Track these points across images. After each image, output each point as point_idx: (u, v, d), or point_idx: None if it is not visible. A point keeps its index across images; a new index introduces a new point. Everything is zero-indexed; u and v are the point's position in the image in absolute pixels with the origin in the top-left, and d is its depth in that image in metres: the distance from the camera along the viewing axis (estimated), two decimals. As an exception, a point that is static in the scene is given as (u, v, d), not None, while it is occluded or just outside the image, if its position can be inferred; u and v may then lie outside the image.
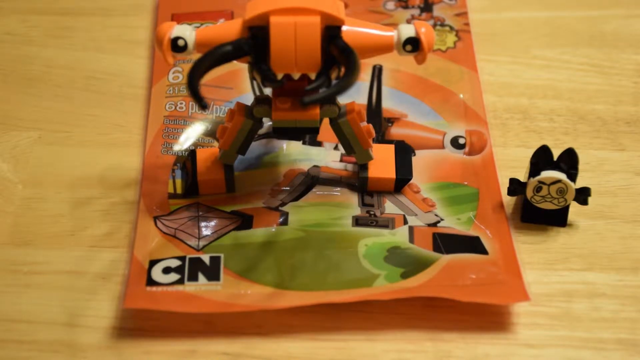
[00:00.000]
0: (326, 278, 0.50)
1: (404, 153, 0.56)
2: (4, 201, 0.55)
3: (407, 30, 0.49)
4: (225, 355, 0.48)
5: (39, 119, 0.60)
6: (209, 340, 0.49)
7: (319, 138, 0.58)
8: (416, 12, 0.66)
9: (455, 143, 0.58)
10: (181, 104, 0.60)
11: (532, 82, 0.63)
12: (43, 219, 0.54)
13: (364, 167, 0.54)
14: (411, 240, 0.52)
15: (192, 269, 0.51)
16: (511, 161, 0.57)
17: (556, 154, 0.55)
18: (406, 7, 0.67)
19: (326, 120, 0.52)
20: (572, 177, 0.53)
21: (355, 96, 0.59)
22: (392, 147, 0.56)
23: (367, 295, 0.49)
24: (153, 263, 0.51)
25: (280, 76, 0.48)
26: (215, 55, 0.47)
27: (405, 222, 0.54)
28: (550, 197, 0.52)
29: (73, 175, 0.57)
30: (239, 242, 0.52)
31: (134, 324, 0.49)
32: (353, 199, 0.55)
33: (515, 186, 0.53)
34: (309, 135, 0.58)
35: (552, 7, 0.69)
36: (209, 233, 0.53)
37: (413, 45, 0.49)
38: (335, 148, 0.58)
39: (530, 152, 0.55)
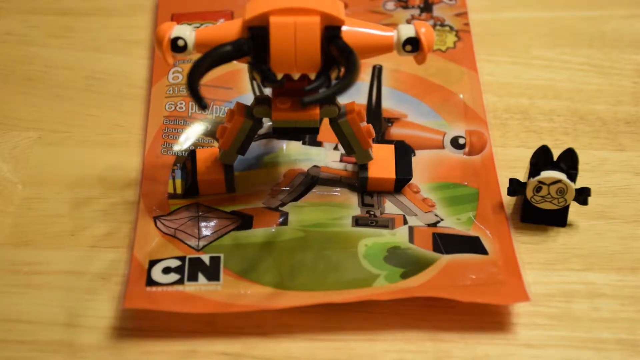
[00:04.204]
0: (326, 278, 0.50)
1: (404, 153, 0.56)
2: (4, 201, 0.55)
3: (407, 31, 0.49)
4: (225, 355, 0.48)
5: (39, 119, 0.60)
6: (209, 340, 0.49)
7: (319, 138, 0.58)
8: (416, 12, 0.66)
9: (455, 143, 0.58)
10: (181, 104, 0.60)
11: (532, 82, 0.63)
12: (43, 219, 0.54)
13: (363, 167, 0.54)
14: (411, 240, 0.52)
15: (192, 269, 0.51)
16: (511, 161, 0.57)
17: (556, 154, 0.55)
18: (406, 7, 0.67)
19: (326, 120, 0.52)
20: (572, 177, 0.53)
21: (355, 96, 0.59)
22: (392, 147, 0.56)
23: (367, 296, 0.49)
24: (153, 263, 0.51)
25: (280, 76, 0.48)
26: (215, 56, 0.47)
27: (405, 222, 0.54)
28: (550, 197, 0.52)
29: (73, 175, 0.57)
30: (239, 243, 0.52)
31: (134, 324, 0.49)
32: (353, 199, 0.55)
33: (515, 186, 0.53)
34: (308, 135, 0.58)
35: (552, 7, 0.69)
36: (208, 233, 0.53)
37: (413, 45, 0.49)
38: (335, 148, 0.58)
39: (530, 152, 0.55)
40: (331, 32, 0.47)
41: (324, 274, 0.51)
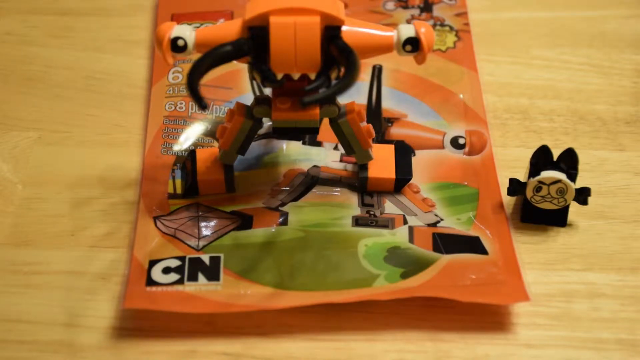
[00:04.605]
0: (326, 278, 0.50)
1: (403, 153, 0.56)
2: (4, 201, 0.55)
3: (407, 31, 0.49)
4: (225, 355, 0.48)
5: (39, 119, 0.60)
6: (209, 340, 0.49)
7: (319, 138, 0.58)
8: (416, 12, 0.66)
9: (455, 143, 0.58)
10: (181, 104, 0.60)
11: (532, 82, 0.63)
12: (43, 219, 0.54)
13: (363, 167, 0.54)
14: (411, 240, 0.52)
15: (191, 269, 0.51)
16: (511, 161, 0.57)
17: (556, 154, 0.55)
18: (406, 7, 0.67)
19: (326, 120, 0.52)
20: (572, 177, 0.53)
21: (355, 96, 0.59)
22: (392, 147, 0.56)
23: (367, 295, 0.49)
24: (153, 263, 0.51)
25: (280, 76, 0.48)
26: (214, 56, 0.47)
27: (405, 222, 0.54)
28: (550, 197, 0.52)
29: (73, 175, 0.57)
30: (239, 242, 0.52)
31: (134, 324, 0.49)
32: (353, 199, 0.55)
33: (515, 186, 0.53)
34: (308, 135, 0.58)
35: (552, 7, 0.69)
36: (208, 233, 0.53)
37: (413, 45, 0.49)
38: (335, 148, 0.58)
39: (530, 152, 0.55)
40: (331, 32, 0.47)
41: (324, 274, 0.51)
